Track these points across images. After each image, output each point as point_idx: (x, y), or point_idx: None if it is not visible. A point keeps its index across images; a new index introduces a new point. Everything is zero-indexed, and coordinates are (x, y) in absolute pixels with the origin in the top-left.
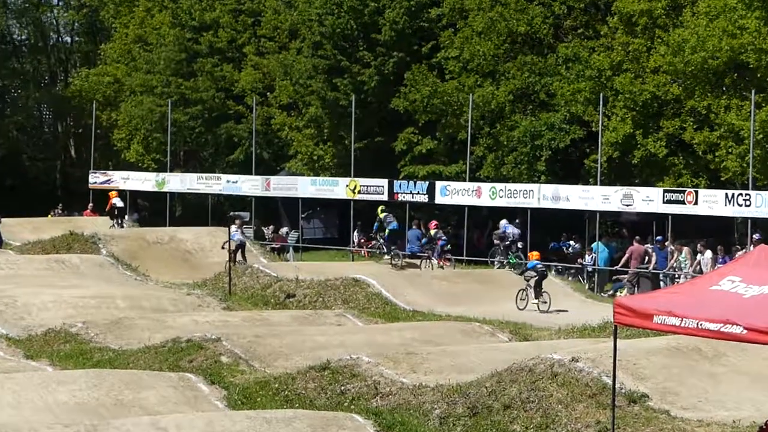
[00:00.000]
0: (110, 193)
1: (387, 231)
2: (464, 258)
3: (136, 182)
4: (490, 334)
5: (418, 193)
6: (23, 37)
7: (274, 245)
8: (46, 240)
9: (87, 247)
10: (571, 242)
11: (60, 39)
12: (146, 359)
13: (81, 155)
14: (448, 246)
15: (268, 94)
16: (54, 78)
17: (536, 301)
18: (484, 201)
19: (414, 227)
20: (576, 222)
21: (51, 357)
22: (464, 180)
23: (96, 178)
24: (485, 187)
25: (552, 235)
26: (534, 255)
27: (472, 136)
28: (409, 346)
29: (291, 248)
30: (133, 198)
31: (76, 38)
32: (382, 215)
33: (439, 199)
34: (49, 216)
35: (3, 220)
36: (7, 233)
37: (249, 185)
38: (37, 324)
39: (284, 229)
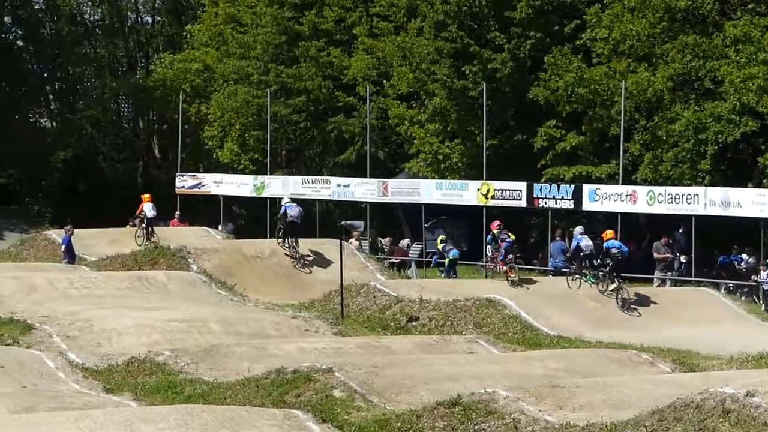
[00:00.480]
0: (143, 196)
1: (447, 261)
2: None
3: (230, 186)
4: (649, 364)
5: (562, 198)
6: (96, 17)
7: (393, 260)
8: (127, 254)
9: (174, 263)
10: (744, 255)
11: (140, 19)
12: (245, 393)
13: (166, 155)
14: (515, 249)
15: (384, 82)
16: (133, 65)
17: (612, 290)
18: (641, 207)
19: (557, 239)
20: (749, 232)
21: (134, 390)
22: (617, 182)
23: (184, 182)
24: (641, 191)
25: (721, 248)
26: (608, 234)
27: (625, 130)
28: (554, 377)
29: (413, 263)
30: (228, 205)
31: (159, 18)
32: (441, 245)
33: (587, 205)
34: (129, 226)
35: (76, 231)
36: (81, 246)
37: (363, 189)
38: (117, 352)
39: (405, 241)
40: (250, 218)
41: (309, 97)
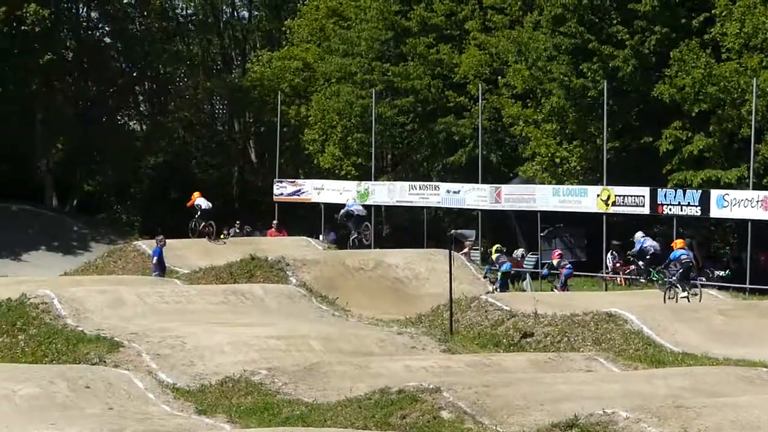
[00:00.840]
0: (194, 194)
1: (500, 274)
2: (747, 286)
3: (332, 193)
4: None
5: (689, 204)
6: (189, 12)
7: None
8: (221, 266)
9: (272, 275)
10: None
11: (235, 14)
12: (347, 415)
13: (263, 160)
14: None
15: (498, 79)
16: (228, 63)
17: (685, 294)
18: None
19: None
20: None
21: (229, 412)
22: (747, 187)
23: (282, 189)
24: None
25: None
26: (678, 243)
27: (756, 131)
28: (678, 397)
29: (528, 275)
30: (329, 213)
31: (256, 13)
32: (495, 255)
33: (715, 212)
34: (223, 236)
35: (168, 241)
36: (172, 258)
37: (474, 196)
38: (211, 371)
39: (519, 251)
40: None
41: (416, 97)
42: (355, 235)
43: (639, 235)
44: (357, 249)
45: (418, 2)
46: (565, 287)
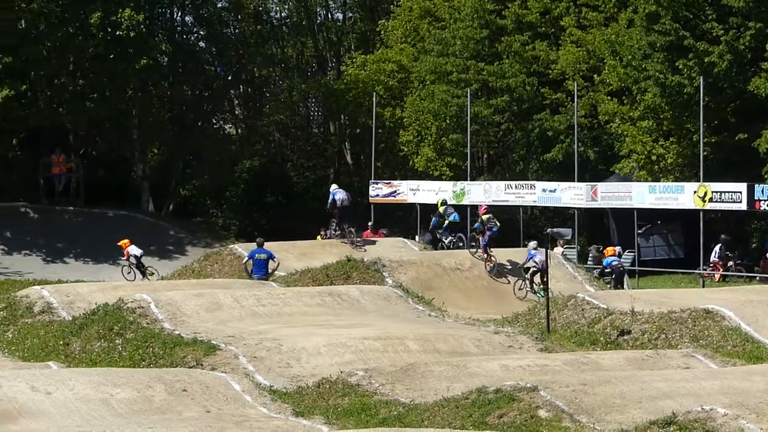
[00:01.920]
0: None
1: (447, 222)
2: None
3: (428, 194)
4: None
5: None
6: (283, 15)
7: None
8: (317, 268)
9: (368, 276)
10: None
11: (330, 16)
12: (444, 415)
13: (358, 162)
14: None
15: (594, 76)
16: (323, 66)
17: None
18: None
19: None
20: None
21: (326, 414)
22: None
23: (378, 190)
24: None
25: None
26: (609, 251)
27: None
28: None
29: (625, 273)
30: (425, 213)
31: (350, 15)
32: (441, 208)
33: None
34: (319, 237)
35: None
36: None
37: (571, 194)
38: (308, 373)
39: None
40: None
41: (512, 96)
42: (343, 231)
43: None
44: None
45: (512, 0)
46: (486, 248)
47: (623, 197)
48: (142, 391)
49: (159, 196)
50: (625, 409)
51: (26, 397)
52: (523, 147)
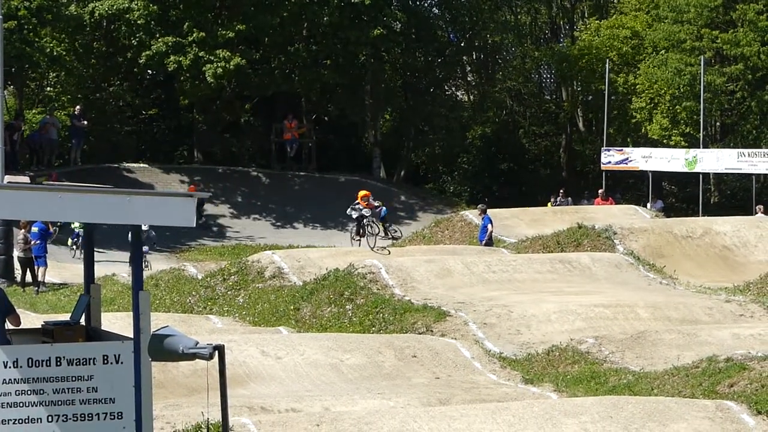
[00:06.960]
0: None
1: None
2: None
3: (660, 162)
4: None
5: None
6: None
7: None
8: (548, 235)
9: (599, 243)
10: None
11: None
12: (674, 383)
13: (590, 129)
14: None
15: None
16: (556, 32)
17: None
18: None
19: None
20: None
21: (555, 381)
22: None
23: (610, 158)
24: None
25: None
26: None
27: None
28: None
29: None
30: (657, 181)
31: None
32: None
33: None
34: (550, 204)
35: (495, 210)
36: (500, 227)
37: None
38: (537, 340)
39: None
40: (681, 195)
41: (746, 64)
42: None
43: None
44: None
45: None
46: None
47: None
48: (372, 357)
49: (390, 162)
50: None
51: (256, 362)
52: (758, 116)
